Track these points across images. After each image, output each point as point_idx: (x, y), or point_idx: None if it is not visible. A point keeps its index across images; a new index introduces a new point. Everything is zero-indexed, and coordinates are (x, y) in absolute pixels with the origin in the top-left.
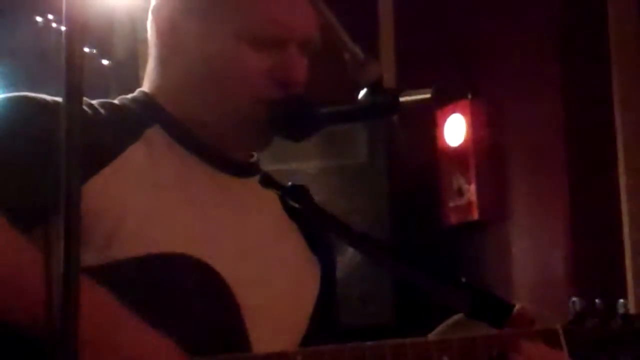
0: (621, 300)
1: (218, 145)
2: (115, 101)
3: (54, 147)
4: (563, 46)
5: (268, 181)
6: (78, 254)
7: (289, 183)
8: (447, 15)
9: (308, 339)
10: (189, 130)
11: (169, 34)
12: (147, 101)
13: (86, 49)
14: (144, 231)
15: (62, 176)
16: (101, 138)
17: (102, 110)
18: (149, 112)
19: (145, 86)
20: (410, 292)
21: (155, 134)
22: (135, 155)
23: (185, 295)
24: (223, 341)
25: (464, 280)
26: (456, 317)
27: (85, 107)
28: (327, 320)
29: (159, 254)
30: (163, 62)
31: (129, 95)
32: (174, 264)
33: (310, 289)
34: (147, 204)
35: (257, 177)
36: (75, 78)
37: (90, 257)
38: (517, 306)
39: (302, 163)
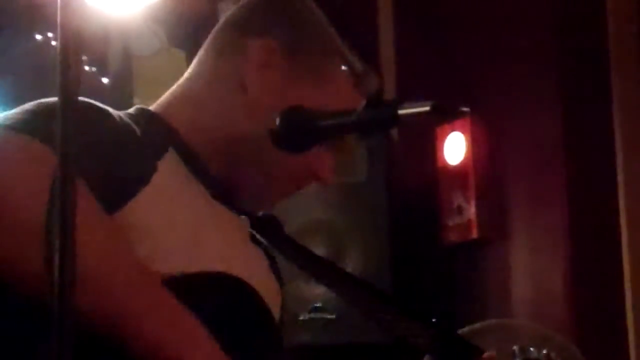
0: None
1: (219, 176)
2: (129, 122)
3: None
4: (563, 65)
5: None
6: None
7: (260, 213)
8: (447, 32)
9: None
10: (199, 157)
11: (258, 73)
12: (159, 121)
13: (86, 67)
14: (188, 248)
15: (56, 197)
16: (140, 155)
17: (134, 126)
18: (163, 133)
19: (163, 105)
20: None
21: (172, 156)
22: (166, 173)
23: (229, 314)
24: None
25: (434, 320)
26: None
27: (126, 119)
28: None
29: (203, 272)
30: (216, 91)
31: (132, 111)
32: (220, 283)
33: (274, 317)
34: (185, 222)
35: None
36: (70, 90)
37: None
38: (486, 354)
39: None
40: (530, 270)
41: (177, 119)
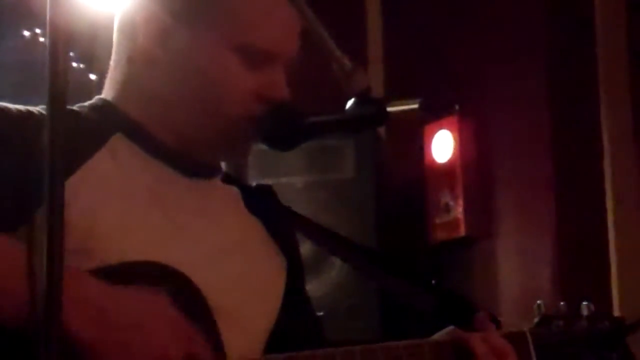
0: (584, 303)
1: (185, 150)
2: (75, 108)
3: (34, 150)
4: (550, 63)
5: (230, 178)
6: (62, 252)
7: (254, 183)
8: (436, 30)
9: (279, 333)
10: (152, 135)
11: (158, 41)
12: (108, 109)
13: (74, 64)
14: (115, 241)
15: (45, 185)
16: (67, 146)
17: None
18: (110, 120)
19: (108, 91)
20: (397, 307)
21: (118, 141)
22: (101, 163)
23: None
24: None
25: (433, 282)
26: (448, 328)
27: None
28: (299, 308)
29: (130, 262)
30: (140, 69)
31: (87, 103)
32: (146, 272)
33: (277, 285)
34: (116, 213)
35: (219, 177)
36: (59, 85)
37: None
38: (478, 313)
39: (289, 177)
40: (518, 268)
41: (127, 104)
